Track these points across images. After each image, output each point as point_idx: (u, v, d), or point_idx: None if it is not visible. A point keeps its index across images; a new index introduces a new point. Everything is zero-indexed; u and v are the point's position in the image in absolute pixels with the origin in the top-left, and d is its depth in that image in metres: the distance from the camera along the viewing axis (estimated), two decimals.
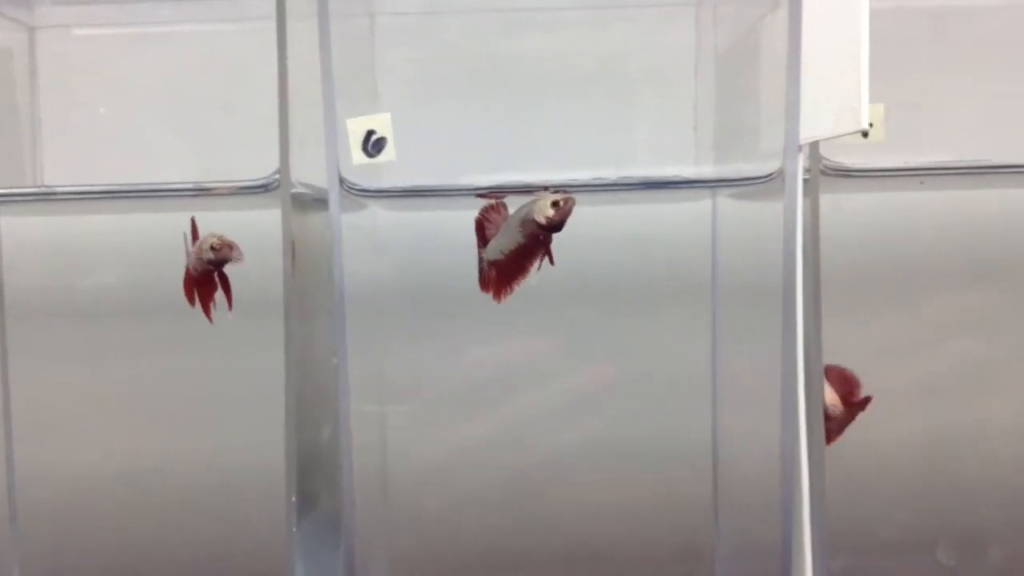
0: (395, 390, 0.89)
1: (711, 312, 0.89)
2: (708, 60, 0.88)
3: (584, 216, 0.86)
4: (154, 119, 0.90)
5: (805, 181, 0.68)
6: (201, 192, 0.78)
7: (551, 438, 0.90)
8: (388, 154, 0.68)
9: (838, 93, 0.57)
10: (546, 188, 0.76)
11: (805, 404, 0.68)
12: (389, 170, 0.87)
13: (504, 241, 0.77)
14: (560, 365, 0.90)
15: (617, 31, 0.90)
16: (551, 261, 0.75)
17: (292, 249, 0.71)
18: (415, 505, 0.91)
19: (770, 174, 0.68)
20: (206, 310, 0.77)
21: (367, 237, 0.87)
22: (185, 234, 0.79)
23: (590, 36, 0.90)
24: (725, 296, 0.87)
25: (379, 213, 0.88)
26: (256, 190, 0.75)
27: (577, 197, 0.81)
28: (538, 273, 0.77)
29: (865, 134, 0.67)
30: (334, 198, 0.69)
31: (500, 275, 0.79)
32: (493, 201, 0.77)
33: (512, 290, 0.78)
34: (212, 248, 0.75)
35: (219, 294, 0.78)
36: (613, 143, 0.90)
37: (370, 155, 0.67)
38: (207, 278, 0.77)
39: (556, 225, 0.74)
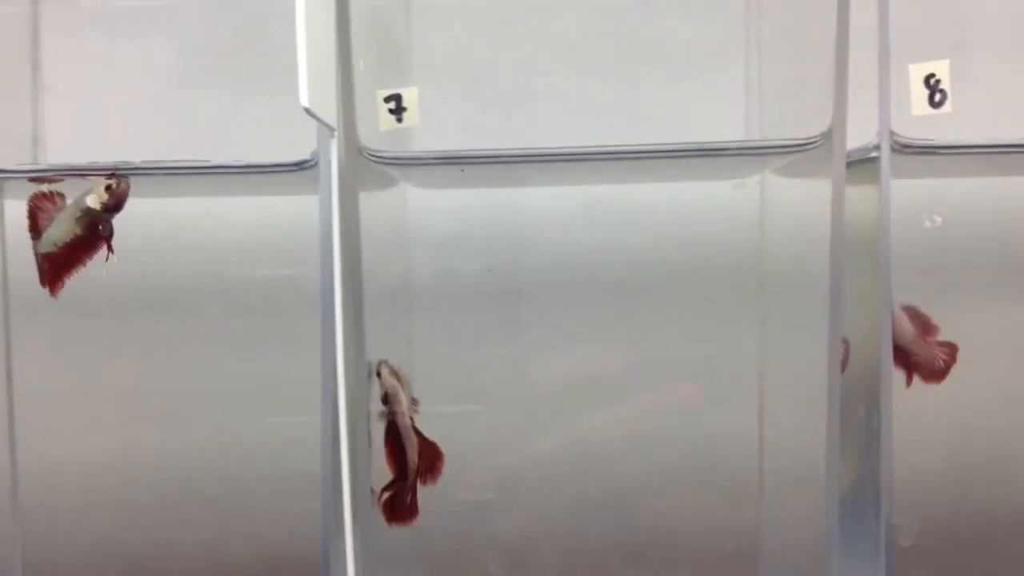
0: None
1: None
2: None
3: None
4: None
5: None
6: None
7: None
8: None
9: None
10: (112, 172, 0.70)
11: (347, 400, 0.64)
12: None
13: (57, 232, 0.72)
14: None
15: None
16: (110, 250, 0.70)
17: None
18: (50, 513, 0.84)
19: (303, 161, 0.63)
20: None
21: None
22: None
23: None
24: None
25: None
26: None
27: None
28: (107, 264, 0.72)
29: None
30: None
31: (54, 268, 0.73)
32: (46, 189, 0.72)
33: (63, 284, 0.72)
34: None
35: None
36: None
37: None
38: None
39: (111, 209, 0.70)
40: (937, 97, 0.62)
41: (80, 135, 0.83)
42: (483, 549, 0.82)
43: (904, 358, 0.70)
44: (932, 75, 0.62)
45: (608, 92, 0.85)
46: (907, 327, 0.70)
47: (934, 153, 0.63)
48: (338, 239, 0.63)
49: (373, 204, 0.67)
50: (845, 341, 0.67)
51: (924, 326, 0.71)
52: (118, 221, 0.72)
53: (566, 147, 0.68)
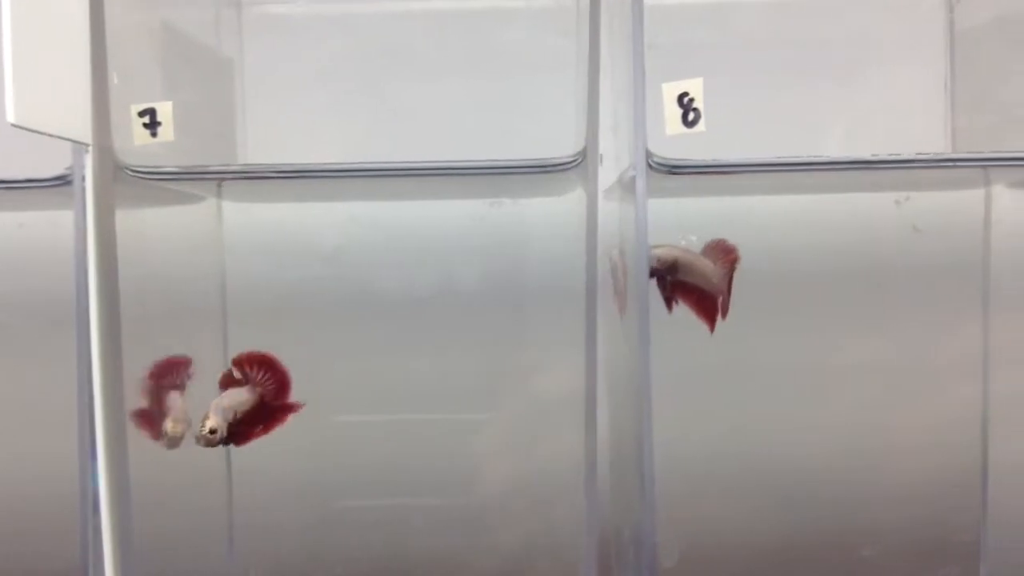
0: None
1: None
2: None
3: None
4: None
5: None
6: None
7: None
8: None
9: None
10: None
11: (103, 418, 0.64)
12: None
13: None
14: None
15: None
16: None
17: None
18: None
19: (61, 176, 0.63)
20: None
21: None
22: None
23: None
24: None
25: None
26: None
27: None
28: None
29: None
30: None
31: None
32: None
33: None
34: None
35: None
36: None
37: None
38: None
39: None
40: (691, 116, 0.62)
41: None
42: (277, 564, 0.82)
43: (712, 304, 0.67)
44: (686, 94, 0.62)
45: (449, 105, 0.86)
46: (712, 268, 0.67)
47: (684, 173, 0.63)
48: (94, 254, 0.63)
49: (179, 218, 0.67)
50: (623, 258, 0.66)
51: (725, 252, 0.68)
52: None
53: (342, 163, 0.68)
